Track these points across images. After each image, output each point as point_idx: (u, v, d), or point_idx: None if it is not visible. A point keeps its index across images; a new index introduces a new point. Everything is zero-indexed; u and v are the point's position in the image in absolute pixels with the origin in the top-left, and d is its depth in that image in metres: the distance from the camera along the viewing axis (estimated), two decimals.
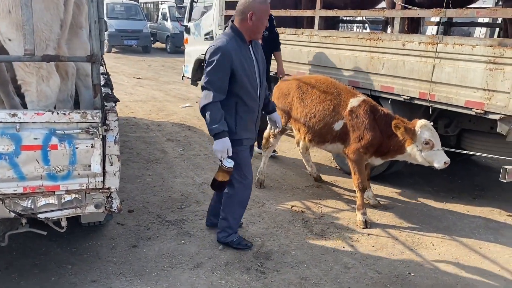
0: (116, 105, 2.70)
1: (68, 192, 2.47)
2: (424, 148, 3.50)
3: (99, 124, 2.37)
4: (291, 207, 4.18)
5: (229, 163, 2.96)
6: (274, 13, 5.90)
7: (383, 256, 3.37)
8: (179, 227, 3.69)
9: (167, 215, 3.89)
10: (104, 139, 2.43)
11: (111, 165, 2.47)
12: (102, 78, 3.20)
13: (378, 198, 4.34)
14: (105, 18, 18.31)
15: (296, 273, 3.10)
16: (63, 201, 2.48)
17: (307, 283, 3.00)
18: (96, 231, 3.53)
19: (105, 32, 17.48)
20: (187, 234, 3.57)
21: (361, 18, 9.30)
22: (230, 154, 2.95)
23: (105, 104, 2.53)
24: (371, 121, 3.77)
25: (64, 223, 2.60)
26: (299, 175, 5.10)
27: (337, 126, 3.97)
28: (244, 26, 2.94)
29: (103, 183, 2.50)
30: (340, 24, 9.22)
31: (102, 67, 4.06)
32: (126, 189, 4.41)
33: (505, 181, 3.72)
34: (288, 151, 5.83)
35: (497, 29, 7.04)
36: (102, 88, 2.83)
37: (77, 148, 2.39)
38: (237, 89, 2.95)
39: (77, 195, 2.50)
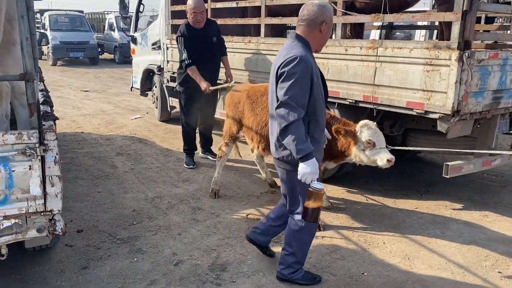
0: (55, 124, 2.59)
1: (6, 217, 2.34)
2: (366, 147, 3.53)
3: (37, 145, 2.26)
4: (247, 216, 4.17)
5: (321, 185, 2.60)
6: (221, 21, 5.92)
7: (337, 258, 3.43)
8: (131, 244, 3.58)
9: (118, 233, 3.77)
10: (43, 159, 2.32)
11: (52, 186, 2.36)
12: (40, 95, 3.07)
13: (331, 200, 4.41)
14: (48, 31, 17.78)
15: (252, 282, 3.09)
16: (1, 227, 2.35)
17: None
18: (43, 255, 3.37)
19: (49, 45, 17.00)
20: (139, 251, 3.48)
21: None
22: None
23: (43, 123, 2.42)
24: None
25: (4, 251, 2.46)
26: (254, 182, 5.10)
27: None
28: (314, 37, 2.68)
29: (45, 206, 2.39)
30: (288, 30, 9.37)
31: (41, 83, 3.91)
32: (74, 208, 4.25)
33: (448, 176, 3.91)
34: (242, 158, 5.82)
35: (436, 31, 7.39)
36: (40, 106, 2.71)
37: (13, 171, 2.27)
38: (311, 105, 2.63)
39: (16, 220, 2.37)
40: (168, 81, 7.11)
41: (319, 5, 2.65)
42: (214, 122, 6.01)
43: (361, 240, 3.73)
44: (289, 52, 2.58)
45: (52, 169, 2.34)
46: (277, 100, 2.59)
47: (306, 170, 2.53)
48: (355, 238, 3.76)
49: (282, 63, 2.56)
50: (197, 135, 5.88)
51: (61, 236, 2.80)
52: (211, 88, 5.12)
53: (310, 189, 2.58)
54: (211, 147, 5.97)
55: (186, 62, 5.17)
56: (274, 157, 2.88)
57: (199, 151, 5.90)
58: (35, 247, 3.18)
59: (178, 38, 5.24)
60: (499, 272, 3.26)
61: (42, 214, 2.39)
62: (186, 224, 3.96)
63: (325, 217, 4.13)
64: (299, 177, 2.58)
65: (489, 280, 3.16)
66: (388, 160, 3.47)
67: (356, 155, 3.66)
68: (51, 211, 2.41)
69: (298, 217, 2.87)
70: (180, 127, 5.82)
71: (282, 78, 2.55)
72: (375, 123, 3.62)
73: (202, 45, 5.22)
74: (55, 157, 2.34)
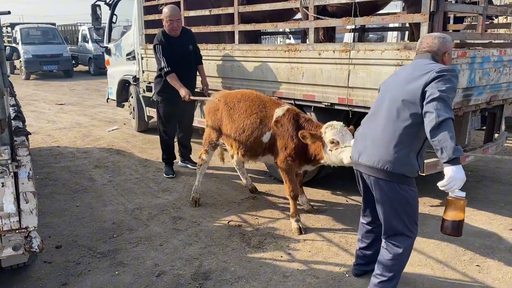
0: (28, 139, 2.54)
1: None
2: (332, 147, 3.46)
3: (9, 161, 2.22)
4: (228, 222, 4.16)
5: (463, 193, 2.31)
6: (195, 29, 5.92)
7: (320, 260, 3.45)
8: (112, 257, 3.53)
9: (98, 247, 3.72)
10: (16, 176, 2.28)
11: (27, 202, 2.32)
12: (12, 110, 3.01)
13: (311, 203, 4.44)
14: (20, 45, 17.46)
15: None
16: None
17: None
18: (21, 273, 3.29)
19: (22, 59, 16.72)
20: (121, 264, 3.43)
21: (282, 30, 9.57)
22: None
23: (15, 138, 2.37)
24: (294, 129, 3.84)
25: None
26: (235, 188, 5.10)
27: (266, 138, 4.02)
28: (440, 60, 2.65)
29: (20, 223, 2.34)
30: (263, 36, 9.43)
31: (12, 98, 3.84)
32: (52, 223, 4.17)
33: (424, 174, 3.98)
34: (222, 165, 5.81)
35: (407, 32, 7.54)
36: (12, 121, 2.66)
37: None
38: None
39: None
40: (144, 91, 7.05)
41: (439, 37, 2.65)
42: (193, 130, 5.98)
43: (342, 242, 3.76)
44: (434, 66, 2.49)
45: (26, 185, 2.29)
46: (431, 94, 2.35)
47: (457, 175, 2.23)
48: (336, 240, 3.79)
49: (439, 69, 2.43)
50: (176, 144, 5.84)
51: (38, 253, 2.73)
52: (192, 97, 5.12)
53: (451, 198, 2.32)
54: (190, 155, 5.94)
55: (165, 69, 5.14)
56: (376, 168, 2.59)
57: (178, 160, 5.86)
58: (12, 266, 3.11)
59: (156, 46, 5.20)
60: (477, 265, 3.34)
61: (17, 231, 2.34)
62: (167, 234, 3.92)
63: (306, 220, 4.16)
64: (444, 182, 2.27)
65: (467, 274, 3.22)
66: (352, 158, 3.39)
67: (328, 157, 3.59)
68: (26, 228, 2.36)
69: (399, 240, 2.66)
70: (158, 137, 5.78)
71: (441, 78, 2.38)
72: (341, 122, 3.55)
73: (179, 53, 5.22)
74: (29, 173, 2.30)
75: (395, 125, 2.52)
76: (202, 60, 5.58)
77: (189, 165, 5.85)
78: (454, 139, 2.25)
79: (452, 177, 2.24)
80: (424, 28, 3.57)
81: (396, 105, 2.53)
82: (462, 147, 4.27)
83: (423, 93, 2.39)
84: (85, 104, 11.60)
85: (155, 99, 5.71)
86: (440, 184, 2.31)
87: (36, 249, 2.43)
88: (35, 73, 18.85)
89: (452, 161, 2.23)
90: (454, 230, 2.35)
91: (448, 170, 2.25)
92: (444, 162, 2.25)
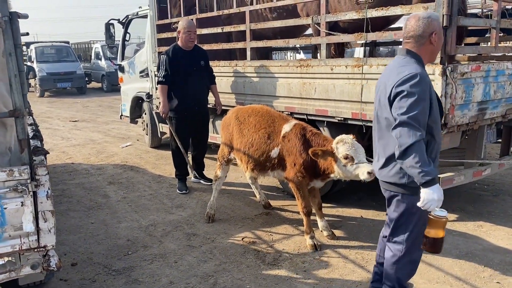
0: (46, 158, 2.58)
1: None
2: (346, 163, 3.43)
3: (28, 181, 2.25)
4: (242, 239, 4.14)
5: (444, 212, 2.32)
6: (208, 47, 6.00)
7: (336, 277, 3.41)
8: (127, 275, 3.54)
9: (113, 264, 3.72)
10: (35, 195, 2.30)
11: (45, 221, 2.34)
12: (30, 130, 3.06)
13: (326, 218, 4.39)
14: (35, 63, 17.82)
15: None
16: None
17: None
18: None
19: (36, 77, 17.06)
20: (136, 281, 3.43)
21: (292, 45, 9.63)
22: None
23: (34, 158, 2.41)
24: (302, 144, 3.82)
25: None
26: (248, 204, 5.09)
27: (274, 153, 4.02)
28: (425, 50, 2.48)
29: (38, 242, 2.36)
30: (274, 51, 9.50)
31: (29, 117, 3.90)
32: (67, 241, 4.19)
33: None
34: (235, 181, 5.82)
35: None
36: (30, 140, 2.70)
37: (5, 208, 2.25)
38: (430, 124, 2.42)
39: (10, 258, 2.34)
40: (157, 108, 7.12)
41: (423, 17, 2.44)
42: (207, 147, 5.99)
43: (358, 258, 3.72)
44: (404, 69, 2.38)
45: (45, 204, 2.32)
46: (394, 120, 2.35)
47: (432, 196, 2.25)
48: (352, 256, 3.75)
49: (398, 81, 2.34)
50: (189, 159, 5.86)
51: (54, 272, 2.75)
52: (165, 117, 5.40)
53: (431, 216, 2.31)
54: (203, 171, 5.95)
55: (160, 79, 5.29)
56: (382, 180, 2.62)
57: (191, 176, 5.88)
58: (29, 284, 3.13)
59: (162, 56, 5.35)
60: (498, 282, 3.27)
61: (35, 250, 2.36)
62: (181, 251, 3.92)
63: (321, 236, 4.12)
64: (421, 204, 2.30)
65: None
66: (368, 173, 3.28)
67: (339, 172, 3.56)
68: (44, 246, 2.38)
69: (397, 246, 2.63)
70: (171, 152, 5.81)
71: (400, 96, 2.32)
72: (351, 135, 3.53)
73: (190, 66, 5.33)
74: (47, 192, 2.32)
75: (385, 133, 2.51)
76: (215, 79, 5.65)
77: (202, 181, 5.86)
78: (424, 161, 2.25)
79: (428, 199, 2.27)
80: None
81: (381, 115, 2.53)
82: (477, 161, 4.25)
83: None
84: (98, 121, 11.74)
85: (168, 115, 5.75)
86: (418, 204, 2.34)
87: (54, 267, 2.44)
88: (49, 91, 19.16)
89: (425, 184, 2.26)
90: (433, 248, 2.41)
91: (422, 193, 2.29)
92: (421, 184, 2.28)
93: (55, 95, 19.01)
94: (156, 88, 5.41)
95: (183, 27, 5.29)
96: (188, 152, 5.80)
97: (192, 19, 6.05)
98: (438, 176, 3.88)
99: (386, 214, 2.73)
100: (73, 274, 3.57)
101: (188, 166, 5.74)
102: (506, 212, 4.59)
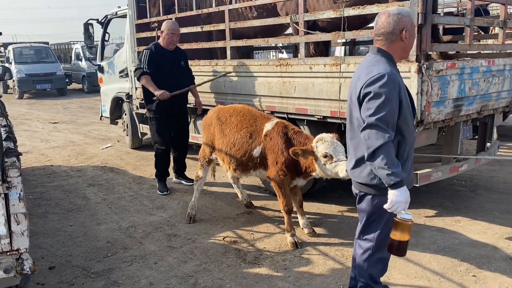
0: (19, 160, 2.53)
1: None
2: (326, 161, 3.43)
3: None
4: (223, 239, 4.13)
5: (409, 215, 2.30)
6: (187, 46, 5.96)
7: (316, 274, 3.43)
8: (106, 277, 3.49)
9: (92, 267, 3.67)
10: (6, 197, 2.26)
11: (18, 224, 2.29)
12: (3, 131, 3.00)
13: (307, 216, 4.41)
14: (13, 64, 17.50)
15: None
16: None
17: None
18: None
19: (15, 78, 16.76)
20: (115, 283, 3.39)
21: (274, 45, 9.65)
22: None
23: (5, 160, 2.36)
24: (284, 142, 3.83)
25: None
26: (230, 204, 5.08)
27: (256, 152, 4.02)
28: (396, 47, 2.43)
29: (11, 245, 2.31)
30: (256, 51, 9.51)
31: (3, 118, 3.83)
32: (45, 244, 4.13)
33: (418, 185, 3.99)
34: (217, 181, 5.80)
35: None
36: (3, 142, 2.65)
37: None
38: (400, 124, 2.38)
39: None
40: (137, 108, 7.07)
41: (393, 14, 2.39)
42: (188, 147, 5.95)
43: (338, 255, 3.74)
44: (373, 69, 2.34)
45: (17, 206, 2.27)
46: (363, 121, 2.32)
47: (399, 198, 2.25)
48: (332, 253, 3.77)
49: (366, 82, 2.31)
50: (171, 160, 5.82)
51: (31, 275, 2.70)
52: (169, 94, 5.16)
53: (397, 219, 2.31)
54: (185, 172, 5.92)
55: (144, 70, 5.18)
56: (354, 180, 2.60)
57: (171, 177, 5.84)
58: None
59: (145, 50, 5.28)
60: (474, 275, 3.33)
61: (8, 254, 2.31)
62: (162, 252, 3.89)
63: (302, 234, 4.14)
64: (388, 206, 2.31)
65: (464, 285, 3.21)
66: (347, 171, 3.27)
67: (320, 171, 3.58)
68: (17, 250, 2.33)
69: (367, 244, 2.63)
70: (153, 153, 5.76)
71: (367, 98, 2.29)
72: (332, 134, 3.54)
73: (170, 65, 5.26)
74: (20, 194, 2.28)
75: (356, 133, 2.46)
76: (196, 76, 5.62)
77: (183, 182, 5.83)
78: (392, 163, 2.24)
79: (394, 201, 2.27)
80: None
81: (352, 115, 2.51)
82: (454, 157, 4.32)
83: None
84: (78, 122, 11.58)
85: (148, 116, 5.69)
86: (384, 206, 2.34)
87: (28, 271, 2.39)
88: (29, 92, 18.84)
89: (393, 186, 2.26)
90: (398, 251, 2.39)
91: (390, 194, 2.29)
92: (389, 186, 2.28)
93: (35, 96, 18.69)
94: (139, 80, 5.30)
95: (168, 28, 5.25)
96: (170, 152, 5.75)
97: (171, 19, 6.02)
98: (416, 172, 3.95)
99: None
100: (51, 278, 3.52)
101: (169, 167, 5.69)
102: (483, 207, 4.68)
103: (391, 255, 2.56)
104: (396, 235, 2.33)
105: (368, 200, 2.54)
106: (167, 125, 5.45)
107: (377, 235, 2.59)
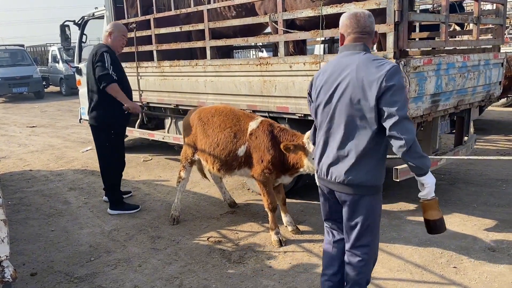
0: None
1: None
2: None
3: None
4: (208, 239, 4.13)
5: (433, 194, 2.38)
6: (167, 46, 5.93)
7: (300, 271, 3.45)
8: (90, 282, 3.46)
9: (75, 271, 3.63)
10: None
11: None
12: None
13: (291, 214, 4.44)
14: None
15: None
16: None
17: None
18: None
19: None
20: (99, 287, 3.36)
21: (254, 44, 9.66)
22: None
23: None
24: (270, 140, 3.86)
25: None
26: (213, 204, 5.07)
27: (241, 151, 4.02)
28: (371, 45, 2.45)
29: None
30: (235, 50, 9.49)
31: None
32: (26, 250, 4.05)
33: (398, 180, 4.05)
34: (200, 182, 5.78)
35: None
36: None
37: None
38: None
39: None
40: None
41: (370, 15, 2.40)
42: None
43: (321, 251, 3.77)
44: (381, 62, 2.27)
45: None
46: (390, 115, 2.21)
47: (433, 179, 2.32)
48: (316, 250, 3.80)
49: (385, 76, 2.21)
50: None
51: (12, 283, 2.65)
52: (142, 108, 4.77)
53: (429, 200, 2.36)
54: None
55: (113, 77, 4.53)
56: (341, 183, 2.42)
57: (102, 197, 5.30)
58: None
59: (105, 54, 4.56)
60: (454, 267, 3.40)
61: None
62: (146, 255, 3.87)
63: (286, 232, 4.16)
64: (427, 191, 2.33)
65: (445, 276, 3.28)
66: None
67: (308, 166, 3.66)
68: None
69: (364, 250, 2.49)
70: (135, 155, 5.69)
71: (392, 91, 2.20)
72: None
73: (122, 72, 4.82)
74: None
75: (357, 132, 2.34)
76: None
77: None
78: (420, 149, 2.26)
79: (432, 183, 2.32)
80: (390, 38, 3.67)
81: (351, 111, 2.34)
82: (433, 151, 4.41)
83: (378, 105, 2.24)
84: (57, 126, 11.39)
85: (99, 126, 4.80)
86: (422, 193, 2.36)
87: (8, 279, 2.35)
88: (4, 96, 18.43)
89: (426, 172, 2.30)
90: (441, 227, 2.43)
91: (426, 179, 2.31)
92: (421, 174, 2.30)
93: (11, 100, 18.30)
94: (105, 88, 4.54)
95: (119, 30, 4.79)
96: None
97: (149, 20, 5.99)
98: (396, 167, 4.01)
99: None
100: (33, 285, 3.46)
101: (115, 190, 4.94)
102: (462, 200, 4.78)
103: None
104: (433, 215, 2.39)
105: (366, 202, 2.42)
106: (119, 137, 4.91)
107: (373, 238, 2.50)
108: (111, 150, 4.83)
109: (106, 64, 4.53)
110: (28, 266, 3.76)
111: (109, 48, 4.72)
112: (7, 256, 2.32)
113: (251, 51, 14.42)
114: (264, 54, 11.86)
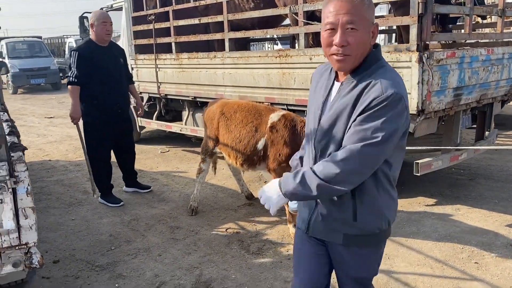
0: (24, 154, 2.53)
1: None
2: None
3: (7, 177, 2.20)
4: (226, 230, 4.15)
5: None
6: (185, 38, 5.94)
7: None
8: (111, 270, 3.51)
9: (96, 260, 3.68)
10: (14, 192, 2.26)
11: (26, 218, 2.29)
12: (6, 126, 2.99)
13: None
14: (7, 59, 17.31)
15: None
16: None
17: None
18: None
19: (8, 73, 16.60)
20: (120, 276, 3.41)
21: (270, 36, 9.64)
22: None
23: (12, 154, 2.35)
24: (290, 134, 3.84)
25: None
26: (230, 196, 5.10)
27: (260, 144, 4.02)
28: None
29: (19, 239, 2.31)
30: (251, 43, 9.48)
31: (4, 113, 3.81)
32: (48, 238, 4.13)
33: (419, 174, 4.03)
34: (217, 173, 5.80)
35: (394, 35, 7.64)
36: (7, 137, 2.64)
37: None
38: None
39: None
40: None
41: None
42: (135, 152, 5.40)
43: None
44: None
45: (25, 201, 2.28)
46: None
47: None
48: None
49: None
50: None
51: (38, 269, 2.71)
52: (75, 123, 4.71)
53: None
54: (137, 179, 5.42)
55: (71, 79, 4.54)
56: (353, 234, 1.79)
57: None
58: (10, 283, 3.07)
59: (73, 53, 4.61)
60: (476, 262, 3.37)
61: (17, 248, 2.32)
62: (165, 244, 3.91)
63: None
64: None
65: (466, 272, 3.25)
66: None
67: None
68: (26, 244, 2.34)
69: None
70: (151, 147, 5.73)
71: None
72: None
73: (109, 64, 4.70)
74: (27, 188, 2.28)
75: None
76: (133, 78, 5.34)
77: (139, 191, 5.32)
78: None
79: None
80: (413, 30, 3.62)
81: None
82: (454, 146, 4.36)
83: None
84: None
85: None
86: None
87: (36, 265, 2.40)
88: (23, 87, 18.70)
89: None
90: None
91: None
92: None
93: (29, 91, 18.55)
94: (89, 98, 4.63)
95: (97, 19, 4.61)
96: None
97: (168, 12, 5.99)
98: (417, 161, 3.99)
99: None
100: (56, 272, 3.53)
101: (91, 183, 4.91)
102: (482, 195, 4.72)
103: None
104: None
105: (375, 255, 1.91)
106: (107, 132, 4.82)
107: (373, 275, 1.98)
108: (94, 143, 4.82)
109: (72, 65, 4.61)
110: (50, 254, 3.83)
111: (87, 42, 4.73)
112: (35, 243, 2.36)
113: (265, 44, 14.40)
114: (279, 46, 11.83)
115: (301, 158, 2.05)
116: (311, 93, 1.91)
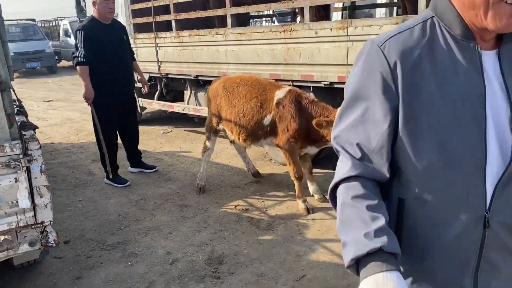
0: (35, 132, 2.50)
1: None
2: None
3: (21, 156, 2.17)
4: (235, 207, 4.16)
5: None
6: (185, 15, 5.84)
7: (331, 238, 3.47)
8: (122, 249, 3.52)
9: (107, 239, 3.69)
10: (28, 170, 2.23)
11: (41, 197, 2.28)
12: (14, 106, 2.94)
13: (319, 184, 4.44)
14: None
15: (251, 271, 3.10)
16: None
17: (263, 279, 3.01)
18: (32, 271, 3.26)
19: None
20: (132, 254, 3.42)
21: (269, 12, 9.50)
22: None
23: (24, 133, 2.32)
24: (296, 110, 3.82)
25: None
26: (237, 174, 5.09)
27: (267, 120, 4.00)
28: None
29: (35, 218, 2.30)
30: (249, 20, 9.35)
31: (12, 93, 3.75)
32: (57, 219, 4.09)
33: None
34: (221, 152, 5.80)
35: (395, 8, 7.54)
36: (16, 116, 2.60)
37: None
38: None
39: (6, 236, 2.28)
40: (136, 82, 6.96)
41: None
42: (139, 132, 5.37)
43: None
44: None
45: (39, 179, 2.25)
46: None
47: None
48: None
49: None
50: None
51: (53, 248, 2.70)
52: (91, 100, 4.59)
53: None
54: (141, 159, 5.41)
55: (79, 59, 4.51)
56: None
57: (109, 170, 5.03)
58: (23, 263, 3.08)
59: (79, 32, 4.54)
60: None
61: (33, 227, 2.31)
62: (175, 223, 3.91)
63: (312, 200, 4.17)
64: None
65: None
66: None
67: None
68: (42, 222, 2.33)
69: None
70: (154, 127, 5.70)
71: None
72: None
73: (113, 41, 4.66)
74: (41, 166, 2.26)
75: None
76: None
77: (145, 171, 5.30)
78: None
79: None
80: (422, 2, 3.55)
81: None
82: None
83: None
84: (73, 100, 11.43)
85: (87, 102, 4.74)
86: None
87: (52, 243, 2.40)
88: (18, 71, 18.47)
89: None
90: None
91: None
92: None
93: (24, 75, 18.33)
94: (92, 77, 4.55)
95: None
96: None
97: None
98: None
99: None
100: (67, 252, 3.53)
101: (106, 163, 4.88)
102: None
103: None
104: None
105: None
106: (115, 111, 4.79)
107: None
108: (102, 123, 4.72)
109: (79, 44, 4.53)
110: (60, 235, 3.79)
111: (90, 21, 4.65)
112: (51, 222, 2.36)
113: (263, 21, 14.21)
114: (276, 24, 11.68)
115: (363, 184, 1.08)
116: (418, 89, 1.02)
